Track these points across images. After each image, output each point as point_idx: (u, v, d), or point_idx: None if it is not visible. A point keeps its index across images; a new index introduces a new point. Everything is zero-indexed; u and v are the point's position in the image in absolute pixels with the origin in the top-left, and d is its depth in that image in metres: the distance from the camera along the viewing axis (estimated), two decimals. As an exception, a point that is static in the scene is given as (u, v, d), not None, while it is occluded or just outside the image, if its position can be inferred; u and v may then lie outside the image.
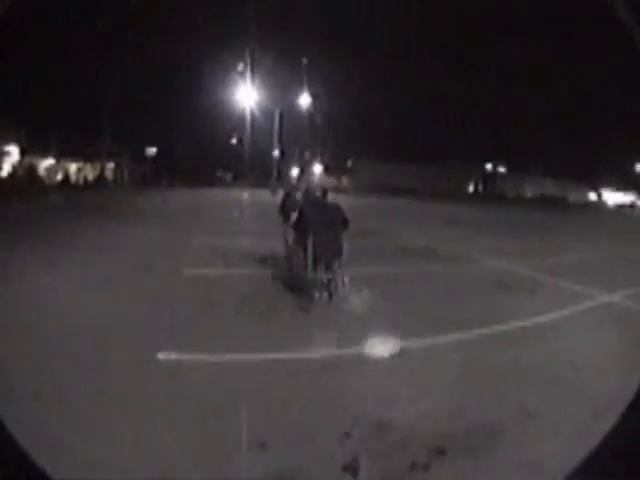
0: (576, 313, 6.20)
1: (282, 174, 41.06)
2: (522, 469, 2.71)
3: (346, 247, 6.22)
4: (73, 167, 39.11)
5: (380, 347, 4.48)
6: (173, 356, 3.93)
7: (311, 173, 47.18)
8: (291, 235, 7.22)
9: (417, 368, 4.08)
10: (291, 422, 3.07)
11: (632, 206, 55.19)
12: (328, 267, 6.18)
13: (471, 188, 59.61)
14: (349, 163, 54.28)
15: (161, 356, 3.90)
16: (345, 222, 6.28)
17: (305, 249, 6.25)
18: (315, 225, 6.12)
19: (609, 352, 4.78)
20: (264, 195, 28.58)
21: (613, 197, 62.06)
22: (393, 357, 4.33)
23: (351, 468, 2.62)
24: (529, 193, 59.93)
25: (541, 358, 4.45)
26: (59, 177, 36.63)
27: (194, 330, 4.63)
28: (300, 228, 6.51)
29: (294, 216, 7.02)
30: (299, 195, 8.24)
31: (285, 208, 8.01)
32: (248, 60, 35.14)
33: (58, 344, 4.08)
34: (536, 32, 48.41)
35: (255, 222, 14.85)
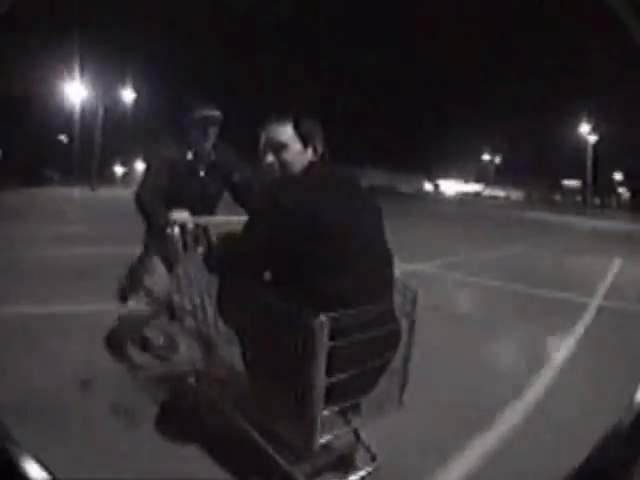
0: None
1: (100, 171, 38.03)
2: None
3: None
4: None
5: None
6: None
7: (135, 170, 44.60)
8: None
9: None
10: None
11: (477, 195, 55.53)
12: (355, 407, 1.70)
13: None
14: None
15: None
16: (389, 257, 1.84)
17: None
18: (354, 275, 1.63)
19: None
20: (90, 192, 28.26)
21: (455, 187, 61.47)
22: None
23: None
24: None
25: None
26: None
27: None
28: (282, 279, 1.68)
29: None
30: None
31: (148, 199, 2.56)
32: (76, 57, 32.99)
33: None
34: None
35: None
